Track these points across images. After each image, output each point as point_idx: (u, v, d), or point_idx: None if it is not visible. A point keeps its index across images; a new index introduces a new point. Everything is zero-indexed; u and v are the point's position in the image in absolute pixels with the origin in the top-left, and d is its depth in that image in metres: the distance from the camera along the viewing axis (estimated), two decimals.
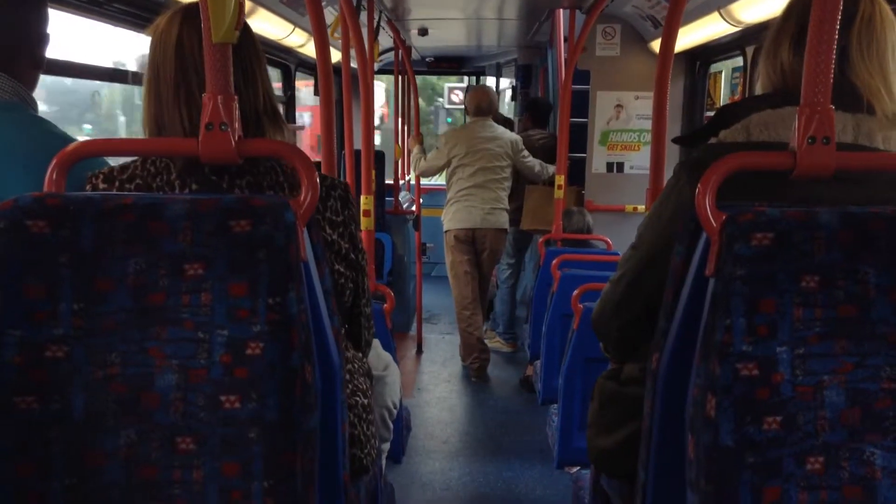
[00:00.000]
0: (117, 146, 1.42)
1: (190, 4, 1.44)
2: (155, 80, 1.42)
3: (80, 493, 1.13)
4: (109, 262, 1.13)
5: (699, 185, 1.14)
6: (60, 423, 1.12)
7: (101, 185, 1.42)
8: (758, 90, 1.48)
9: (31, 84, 1.68)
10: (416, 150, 5.43)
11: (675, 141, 1.64)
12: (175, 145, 1.33)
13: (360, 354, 1.78)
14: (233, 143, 1.20)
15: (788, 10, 1.41)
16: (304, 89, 7.24)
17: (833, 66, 1.12)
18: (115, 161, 1.51)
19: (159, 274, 1.14)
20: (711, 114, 2.63)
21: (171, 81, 1.40)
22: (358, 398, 1.65)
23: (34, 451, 1.12)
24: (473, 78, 9.20)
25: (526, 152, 5.13)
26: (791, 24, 1.38)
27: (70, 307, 1.13)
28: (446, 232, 5.16)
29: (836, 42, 1.11)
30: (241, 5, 1.16)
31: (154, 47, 1.43)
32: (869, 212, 1.09)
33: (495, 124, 5.15)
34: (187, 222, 1.13)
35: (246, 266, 1.13)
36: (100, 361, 1.13)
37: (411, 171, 5.85)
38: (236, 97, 1.21)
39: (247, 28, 1.47)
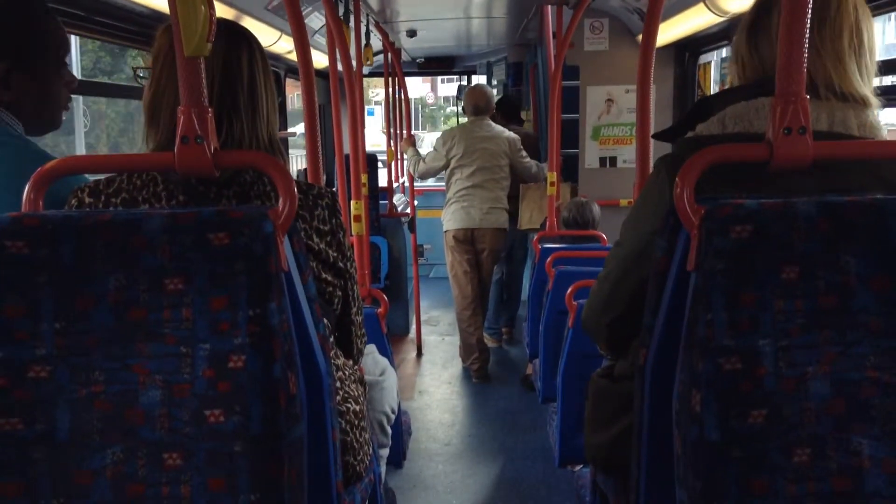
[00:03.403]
0: (95, 163, 1.42)
1: None
2: (152, 92, 1.44)
3: None
4: (89, 280, 1.13)
5: (677, 179, 1.14)
6: (46, 443, 1.12)
7: (88, 199, 1.42)
8: (730, 82, 1.48)
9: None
10: (409, 151, 5.42)
11: (654, 136, 1.63)
12: (152, 160, 1.33)
13: (352, 362, 1.77)
14: (209, 155, 1.20)
15: (753, 3, 1.42)
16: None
17: (806, 56, 1.11)
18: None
19: (139, 290, 1.13)
20: None
21: (163, 93, 1.42)
22: (349, 405, 1.64)
23: (21, 472, 1.12)
24: (465, 77, 9.19)
25: (524, 152, 5.12)
26: (748, 16, 1.39)
27: (52, 326, 1.12)
28: (445, 232, 5.16)
29: (807, 31, 1.10)
30: (210, 18, 1.16)
31: (152, 61, 1.46)
32: (847, 200, 1.09)
33: (493, 123, 5.15)
34: (166, 237, 1.13)
35: (225, 279, 1.12)
36: (83, 380, 1.13)
37: (405, 174, 5.85)
38: (210, 109, 1.21)
39: (254, 49, 1.49)
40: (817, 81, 1.31)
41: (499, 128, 5.14)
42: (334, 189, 1.86)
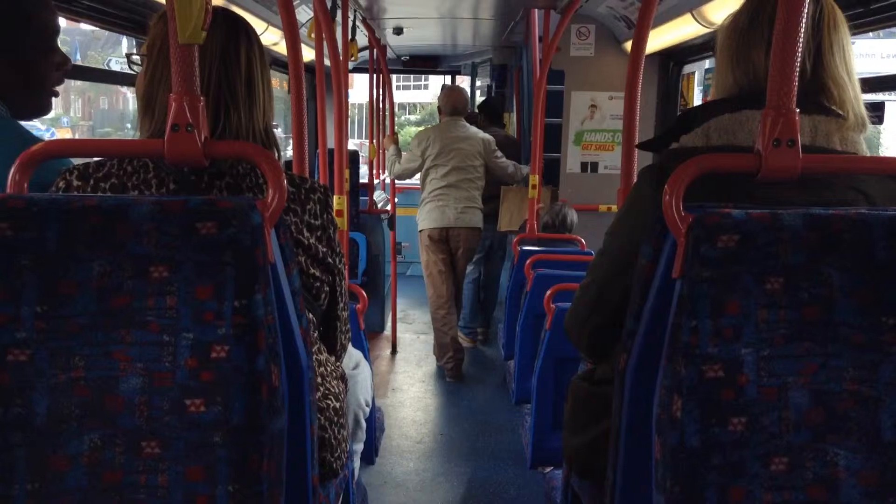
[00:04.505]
0: (83, 147, 1.40)
1: None
2: (147, 81, 1.43)
3: (43, 498, 1.11)
4: (73, 265, 1.12)
5: (666, 187, 1.15)
6: (23, 427, 1.11)
7: (76, 182, 1.40)
8: (713, 94, 1.48)
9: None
10: (391, 149, 5.42)
11: (638, 146, 1.64)
12: (142, 146, 1.32)
13: (334, 358, 1.77)
14: (199, 144, 1.19)
15: (754, 12, 1.41)
16: None
17: (797, 69, 1.12)
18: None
19: (124, 276, 1.12)
20: None
21: (159, 81, 1.41)
22: (330, 401, 1.64)
23: None
24: (448, 77, 9.20)
25: (499, 153, 5.14)
26: (762, 27, 1.38)
27: (33, 310, 1.11)
28: (421, 231, 5.17)
29: (800, 45, 1.11)
30: (206, 6, 1.15)
31: (147, 48, 1.45)
32: (832, 213, 1.10)
33: (468, 124, 5.17)
34: (153, 224, 1.12)
35: (212, 268, 1.12)
36: (63, 365, 1.11)
37: (387, 171, 5.84)
38: (203, 98, 1.20)
39: (252, 41, 1.48)
40: (844, 99, 1.33)
41: (473, 129, 5.17)
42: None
